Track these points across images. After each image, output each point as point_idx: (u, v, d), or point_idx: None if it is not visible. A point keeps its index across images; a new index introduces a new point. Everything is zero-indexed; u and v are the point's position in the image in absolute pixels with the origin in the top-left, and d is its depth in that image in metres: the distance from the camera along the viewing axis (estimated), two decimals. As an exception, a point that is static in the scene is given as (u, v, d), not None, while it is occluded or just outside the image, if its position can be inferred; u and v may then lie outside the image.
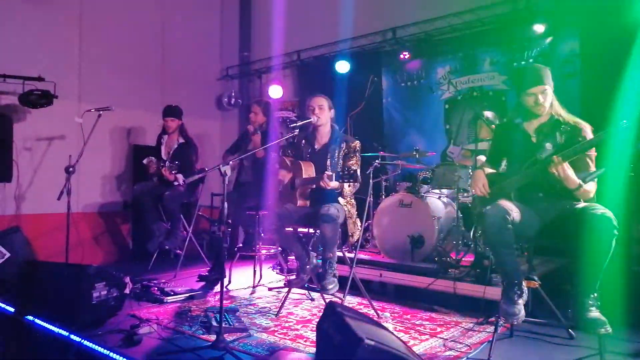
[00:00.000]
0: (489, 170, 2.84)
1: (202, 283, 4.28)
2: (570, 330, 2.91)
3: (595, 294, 2.40)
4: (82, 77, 5.42)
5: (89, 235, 5.37)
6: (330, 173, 3.11)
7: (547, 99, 2.68)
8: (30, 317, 2.96)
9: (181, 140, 5.00)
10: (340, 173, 3.11)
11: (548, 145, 2.65)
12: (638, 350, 2.70)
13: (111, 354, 2.51)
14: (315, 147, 3.55)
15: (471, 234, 4.06)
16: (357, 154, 3.43)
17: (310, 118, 3.47)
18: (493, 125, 4.23)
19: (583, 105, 4.05)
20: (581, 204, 2.54)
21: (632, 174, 3.23)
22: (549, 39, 4.56)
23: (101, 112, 4.25)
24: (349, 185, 3.22)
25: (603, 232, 2.31)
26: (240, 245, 4.62)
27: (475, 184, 2.78)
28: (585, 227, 2.34)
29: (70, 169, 3.99)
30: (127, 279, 3.32)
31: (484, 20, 4.83)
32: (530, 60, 4.67)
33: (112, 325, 3.04)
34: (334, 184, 3.13)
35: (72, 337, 2.71)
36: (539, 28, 4.48)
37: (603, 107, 3.51)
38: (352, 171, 3.09)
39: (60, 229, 4.03)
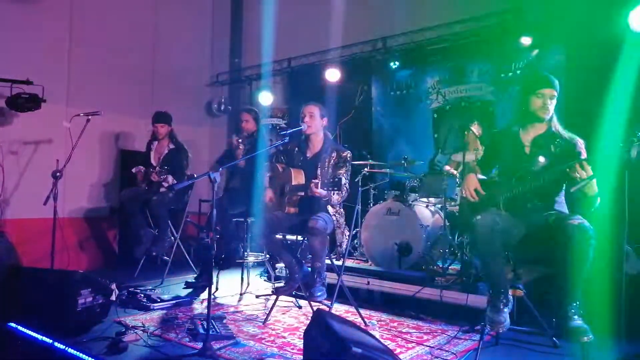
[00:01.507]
0: (480, 176, 2.87)
1: (189, 290, 4.26)
2: (554, 338, 2.94)
3: (578, 303, 2.44)
4: (71, 81, 5.38)
5: (74, 241, 5.31)
6: (317, 181, 3.10)
7: (552, 106, 2.72)
8: (13, 324, 2.92)
9: (172, 146, 4.99)
10: (326, 181, 3.10)
11: (541, 159, 2.70)
12: (620, 358, 2.74)
13: (96, 362, 2.48)
14: (307, 155, 3.57)
15: (456, 240, 4.10)
16: (348, 164, 3.45)
17: (301, 125, 3.49)
18: (478, 133, 4.29)
19: (569, 115, 4.12)
20: (562, 214, 2.59)
21: (615, 185, 3.29)
22: (535, 51, 4.64)
23: (90, 117, 4.22)
24: (334, 194, 3.21)
25: (581, 241, 2.35)
26: (223, 256, 4.55)
27: (467, 187, 2.80)
28: (564, 237, 2.39)
29: (57, 174, 3.95)
30: (113, 286, 3.30)
31: (472, 32, 4.89)
32: (518, 72, 4.75)
33: (97, 332, 3.01)
34: (322, 191, 3.12)
35: (57, 344, 2.67)
36: (526, 40, 4.56)
37: (588, 118, 3.58)
38: (337, 179, 3.08)
39: (46, 234, 3.99)
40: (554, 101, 2.73)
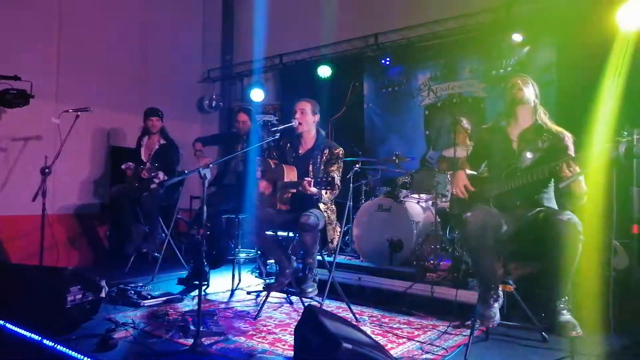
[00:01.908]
0: (469, 172, 2.88)
1: (180, 286, 4.24)
2: (543, 333, 2.97)
3: (567, 298, 2.46)
4: (60, 77, 5.32)
5: (64, 238, 5.26)
6: (310, 179, 3.10)
7: (526, 89, 2.76)
8: (1, 322, 2.89)
9: (162, 142, 4.97)
10: (319, 180, 3.10)
11: (528, 154, 2.71)
12: (608, 352, 2.77)
13: (85, 359, 2.46)
14: (300, 152, 3.57)
15: (447, 236, 4.12)
16: (339, 161, 3.45)
17: (292, 122, 3.48)
18: (469, 129, 4.30)
19: (560, 112, 4.15)
20: (551, 210, 2.61)
21: (604, 181, 3.31)
22: (526, 48, 4.67)
23: (79, 113, 4.18)
24: (326, 193, 3.20)
25: (569, 237, 2.37)
26: (214, 253, 4.51)
27: (456, 184, 2.81)
28: (553, 233, 2.41)
29: (46, 170, 3.92)
30: (103, 282, 3.27)
31: (464, 29, 4.91)
32: (509, 69, 4.77)
33: (87, 330, 2.98)
34: (313, 189, 3.12)
35: (45, 342, 2.65)
36: (518, 37, 4.58)
37: (579, 114, 3.61)
38: (329, 178, 3.07)
39: (35, 231, 3.96)
40: (528, 86, 2.78)
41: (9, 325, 2.84)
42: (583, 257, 2.39)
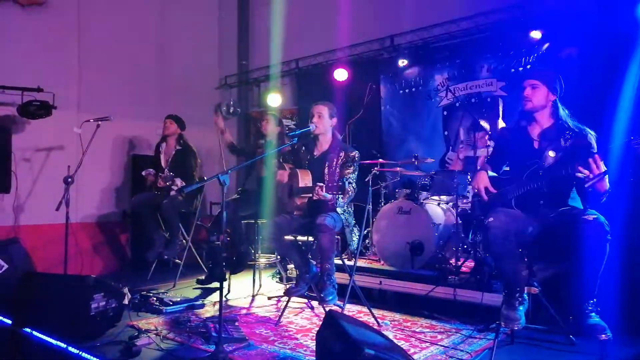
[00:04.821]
0: (491, 173, 2.84)
1: (200, 292, 4.26)
2: (571, 336, 2.89)
3: (595, 300, 2.40)
4: (81, 88, 5.42)
5: (87, 246, 5.35)
6: (323, 184, 3.05)
7: (535, 96, 2.70)
8: (28, 329, 2.94)
9: (178, 147, 5.02)
10: (330, 185, 3.07)
11: (551, 153, 2.66)
12: (639, 356, 2.68)
13: (109, 366, 2.49)
14: (315, 154, 3.56)
15: (469, 238, 4.05)
16: (355, 164, 3.42)
17: (309, 126, 3.48)
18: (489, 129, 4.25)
19: (581, 109, 4.05)
20: (576, 210, 2.55)
21: (631, 179, 3.23)
22: (546, 45, 4.58)
23: (100, 123, 4.25)
24: (339, 197, 3.17)
25: (596, 237, 2.31)
26: (234, 258, 4.49)
27: (478, 184, 2.78)
28: (579, 233, 2.35)
29: (69, 180, 3.98)
30: (126, 290, 3.31)
31: (481, 27, 4.85)
32: (528, 67, 4.69)
33: (110, 337, 3.03)
34: (327, 195, 3.05)
35: (70, 349, 2.69)
36: (536, 34, 4.50)
37: (600, 111, 3.52)
38: (340, 183, 3.05)
39: (59, 240, 4.02)
40: (539, 90, 2.71)
41: (35, 333, 2.89)
42: (611, 257, 2.33)
